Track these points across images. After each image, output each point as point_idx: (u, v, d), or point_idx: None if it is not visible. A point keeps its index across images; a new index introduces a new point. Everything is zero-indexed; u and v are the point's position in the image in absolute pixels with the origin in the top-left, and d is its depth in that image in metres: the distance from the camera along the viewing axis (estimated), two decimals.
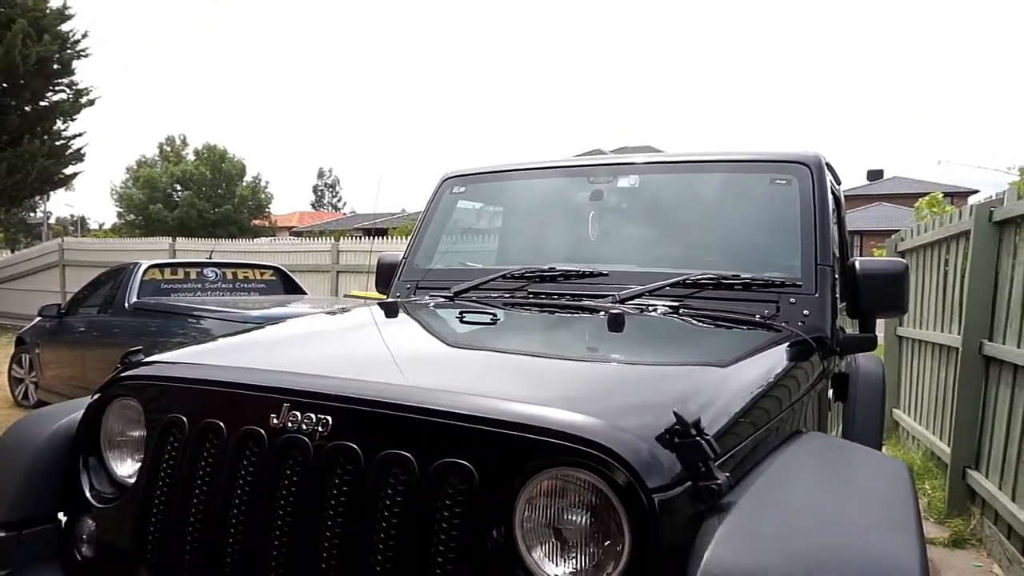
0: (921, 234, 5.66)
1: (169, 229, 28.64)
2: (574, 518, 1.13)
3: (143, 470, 1.51)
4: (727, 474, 1.15)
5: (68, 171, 15.96)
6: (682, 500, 1.10)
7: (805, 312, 2.11)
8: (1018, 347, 3.49)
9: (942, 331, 4.93)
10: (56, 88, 15.12)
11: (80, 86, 15.42)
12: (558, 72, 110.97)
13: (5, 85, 13.87)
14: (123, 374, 1.63)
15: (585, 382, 1.52)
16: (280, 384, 1.39)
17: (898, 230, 7.10)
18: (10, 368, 7.53)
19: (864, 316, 2.33)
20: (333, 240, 12.66)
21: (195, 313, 5.31)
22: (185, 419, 1.46)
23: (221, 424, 1.41)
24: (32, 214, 45.84)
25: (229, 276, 6.80)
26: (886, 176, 38.40)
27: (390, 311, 2.29)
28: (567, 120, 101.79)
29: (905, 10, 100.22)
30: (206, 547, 1.37)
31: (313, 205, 62.02)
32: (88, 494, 1.59)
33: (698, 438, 1.12)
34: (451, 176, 3.04)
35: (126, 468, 1.60)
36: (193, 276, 6.58)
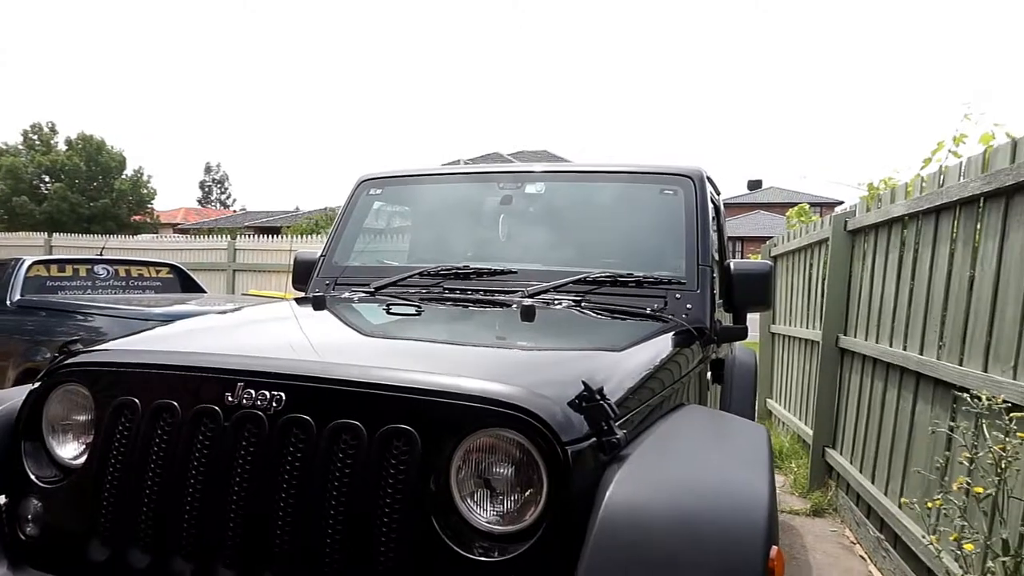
0: (790, 241, 6.30)
1: (36, 223, 26.56)
2: (501, 470, 1.36)
3: (94, 449, 1.60)
4: (624, 432, 1.41)
5: None
6: (589, 452, 1.35)
7: (688, 306, 2.44)
8: (866, 340, 4.04)
9: (807, 327, 5.53)
10: None
11: None
12: (456, 75, 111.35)
13: None
14: (67, 361, 1.71)
15: (506, 361, 1.76)
16: (236, 366, 1.53)
17: (773, 236, 7.81)
18: None
19: (737, 310, 2.69)
20: (230, 238, 12.32)
21: (88, 311, 5.12)
22: (138, 401, 1.57)
23: (175, 404, 1.53)
24: None
25: (122, 273, 6.54)
26: (765, 186, 41.17)
27: (318, 304, 2.43)
28: (465, 122, 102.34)
29: (783, 33, 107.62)
30: (162, 517, 1.49)
31: (200, 201, 59.13)
32: (32, 475, 1.66)
33: (602, 402, 1.37)
34: (368, 178, 3.20)
35: (70, 450, 1.68)
36: (83, 273, 6.29)
